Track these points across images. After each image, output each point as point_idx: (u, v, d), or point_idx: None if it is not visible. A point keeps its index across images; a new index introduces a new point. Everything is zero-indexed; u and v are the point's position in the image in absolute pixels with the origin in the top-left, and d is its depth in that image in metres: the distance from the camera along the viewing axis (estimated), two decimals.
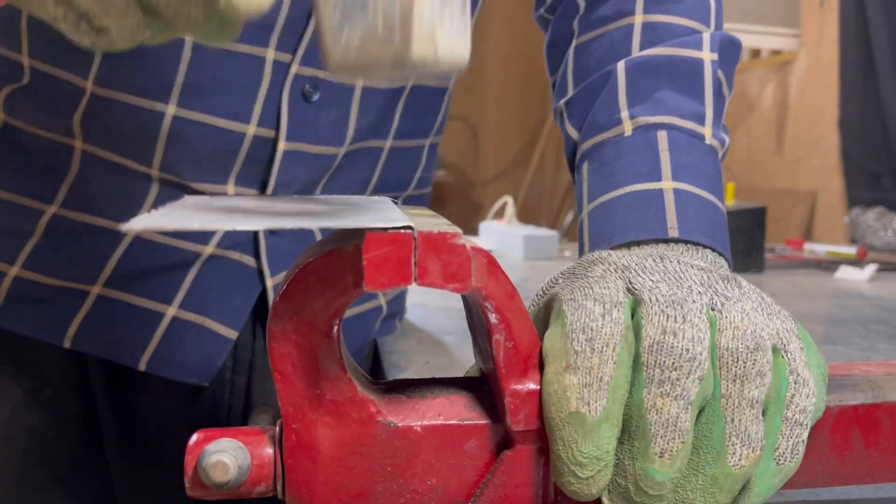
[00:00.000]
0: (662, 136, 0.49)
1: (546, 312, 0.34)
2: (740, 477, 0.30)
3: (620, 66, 0.52)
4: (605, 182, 0.48)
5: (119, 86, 0.52)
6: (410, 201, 0.69)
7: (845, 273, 1.24)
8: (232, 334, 0.59)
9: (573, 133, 0.54)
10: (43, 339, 0.56)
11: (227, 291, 0.58)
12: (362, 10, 0.24)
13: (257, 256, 0.59)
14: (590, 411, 0.28)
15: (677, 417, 0.29)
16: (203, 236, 0.57)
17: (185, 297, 0.57)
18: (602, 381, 0.29)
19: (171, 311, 0.57)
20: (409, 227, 0.26)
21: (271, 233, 0.59)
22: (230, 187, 0.55)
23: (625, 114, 0.50)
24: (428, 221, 0.29)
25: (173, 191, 0.54)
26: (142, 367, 0.57)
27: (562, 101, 0.56)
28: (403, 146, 0.65)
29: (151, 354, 0.57)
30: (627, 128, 0.50)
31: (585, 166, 0.51)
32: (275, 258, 0.59)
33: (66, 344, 0.56)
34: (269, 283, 0.59)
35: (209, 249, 0.57)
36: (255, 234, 0.59)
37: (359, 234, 0.27)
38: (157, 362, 0.57)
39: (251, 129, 0.54)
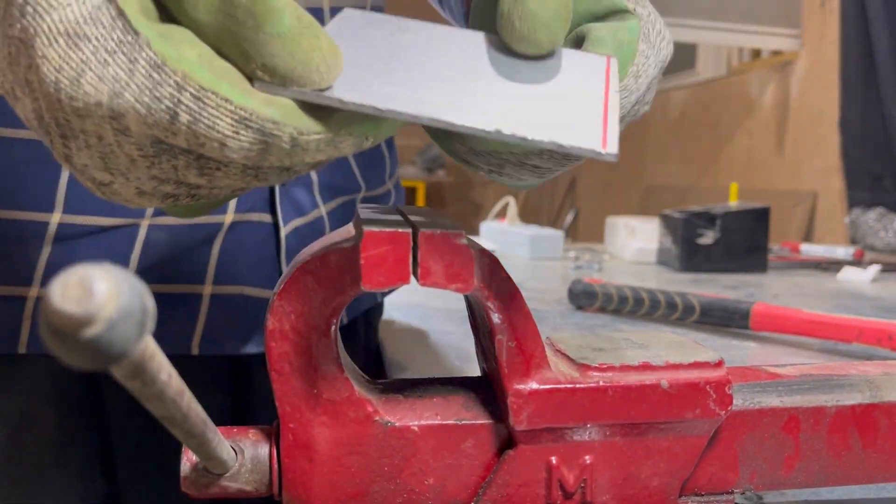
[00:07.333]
0: None
1: None
2: None
3: None
4: None
5: None
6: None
7: (848, 274, 1.24)
8: (268, 294, 0.57)
9: None
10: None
11: (253, 254, 0.57)
12: None
13: (273, 212, 0.58)
14: None
15: None
16: (222, 206, 0.55)
17: (216, 271, 0.56)
18: None
19: (208, 289, 0.56)
20: (410, 227, 0.26)
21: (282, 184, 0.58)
22: None
23: None
24: (431, 221, 0.29)
25: None
26: (195, 350, 0.55)
27: None
28: None
29: (202, 337, 0.55)
30: None
31: None
32: (286, 209, 0.59)
33: None
34: (283, 233, 0.58)
35: (230, 217, 0.56)
36: (271, 189, 0.57)
37: (358, 232, 0.27)
38: (210, 343, 0.56)
39: None
